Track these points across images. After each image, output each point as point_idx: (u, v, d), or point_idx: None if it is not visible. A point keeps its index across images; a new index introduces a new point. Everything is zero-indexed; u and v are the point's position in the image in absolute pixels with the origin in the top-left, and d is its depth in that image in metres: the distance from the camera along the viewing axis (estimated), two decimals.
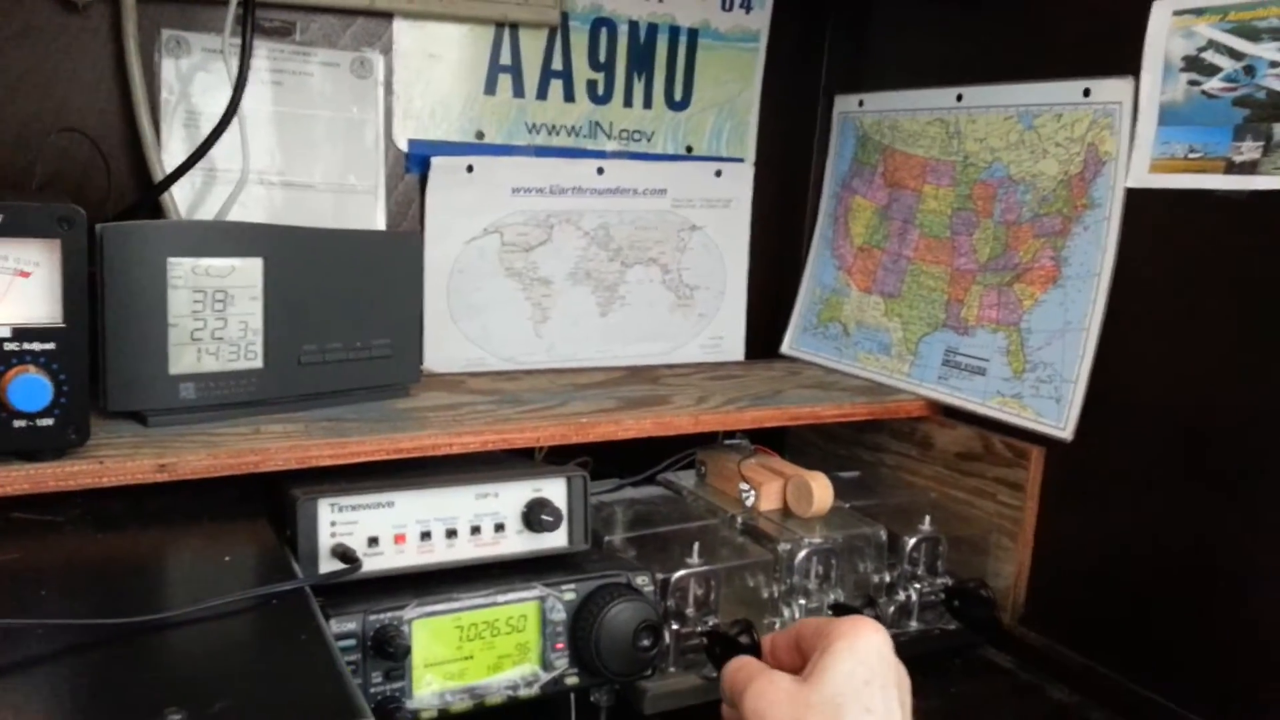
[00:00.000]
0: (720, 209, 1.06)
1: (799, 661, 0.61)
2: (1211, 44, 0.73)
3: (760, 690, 0.57)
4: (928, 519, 0.86)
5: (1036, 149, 0.86)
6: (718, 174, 1.06)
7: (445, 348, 0.95)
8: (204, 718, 0.41)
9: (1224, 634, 0.72)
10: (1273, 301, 0.70)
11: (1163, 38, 0.76)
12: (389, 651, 0.58)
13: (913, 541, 0.85)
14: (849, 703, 0.55)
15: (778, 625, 0.79)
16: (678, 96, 1.03)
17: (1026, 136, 0.86)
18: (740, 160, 1.07)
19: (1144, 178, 0.78)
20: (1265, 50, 0.70)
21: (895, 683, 0.58)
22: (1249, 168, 0.71)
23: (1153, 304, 0.77)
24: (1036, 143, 0.86)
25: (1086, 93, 0.82)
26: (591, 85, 0.99)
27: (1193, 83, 0.74)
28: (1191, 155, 0.75)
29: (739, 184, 1.07)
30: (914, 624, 0.85)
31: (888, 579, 0.85)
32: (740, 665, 0.61)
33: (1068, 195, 0.83)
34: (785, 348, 1.11)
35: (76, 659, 0.45)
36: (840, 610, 0.78)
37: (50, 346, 0.58)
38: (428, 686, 0.61)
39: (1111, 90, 0.80)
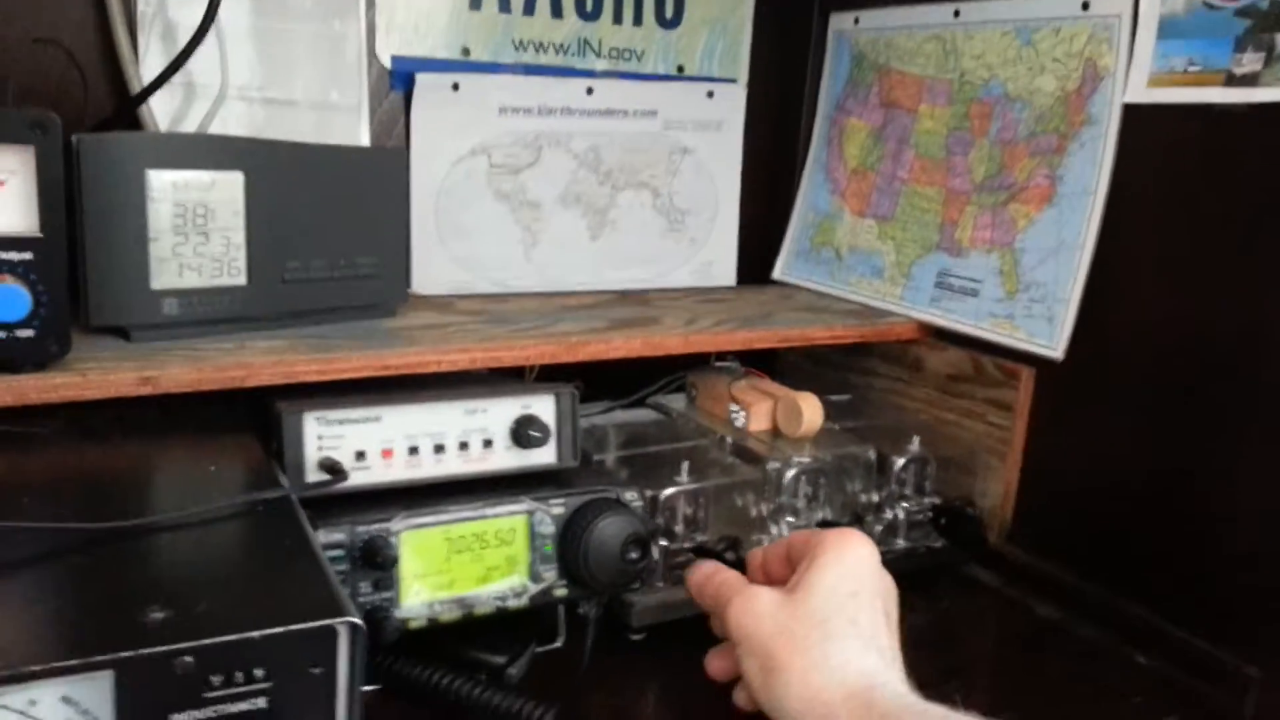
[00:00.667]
0: (712, 131, 1.05)
1: (790, 573, 0.60)
2: None
3: (744, 606, 0.57)
4: (916, 440, 0.86)
5: (1034, 65, 0.84)
6: (709, 95, 1.04)
7: (433, 270, 0.94)
8: (188, 617, 0.41)
9: (1208, 551, 0.73)
10: (1273, 217, 0.69)
11: None
12: (377, 562, 0.58)
13: (901, 462, 0.85)
14: (834, 615, 0.55)
15: (765, 543, 0.80)
16: (669, 14, 1.00)
17: (1024, 52, 0.85)
18: (733, 81, 1.05)
19: (1142, 92, 0.76)
20: None
21: (881, 594, 0.58)
22: (1250, 80, 0.70)
23: (1148, 222, 0.76)
24: (1034, 58, 0.84)
25: (1085, 5, 0.80)
26: (580, 1, 0.96)
27: None
28: (1191, 69, 0.73)
29: (731, 105, 1.05)
30: (901, 542, 0.85)
31: (876, 499, 0.85)
32: (720, 581, 0.60)
33: (1065, 112, 0.81)
34: (777, 273, 1.10)
35: (59, 562, 0.45)
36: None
37: (27, 256, 0.57)
38: (416, 596, 0.62)
39: (1110, 2, 0.78)
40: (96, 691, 0.39)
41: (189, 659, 0.39)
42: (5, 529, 0.46)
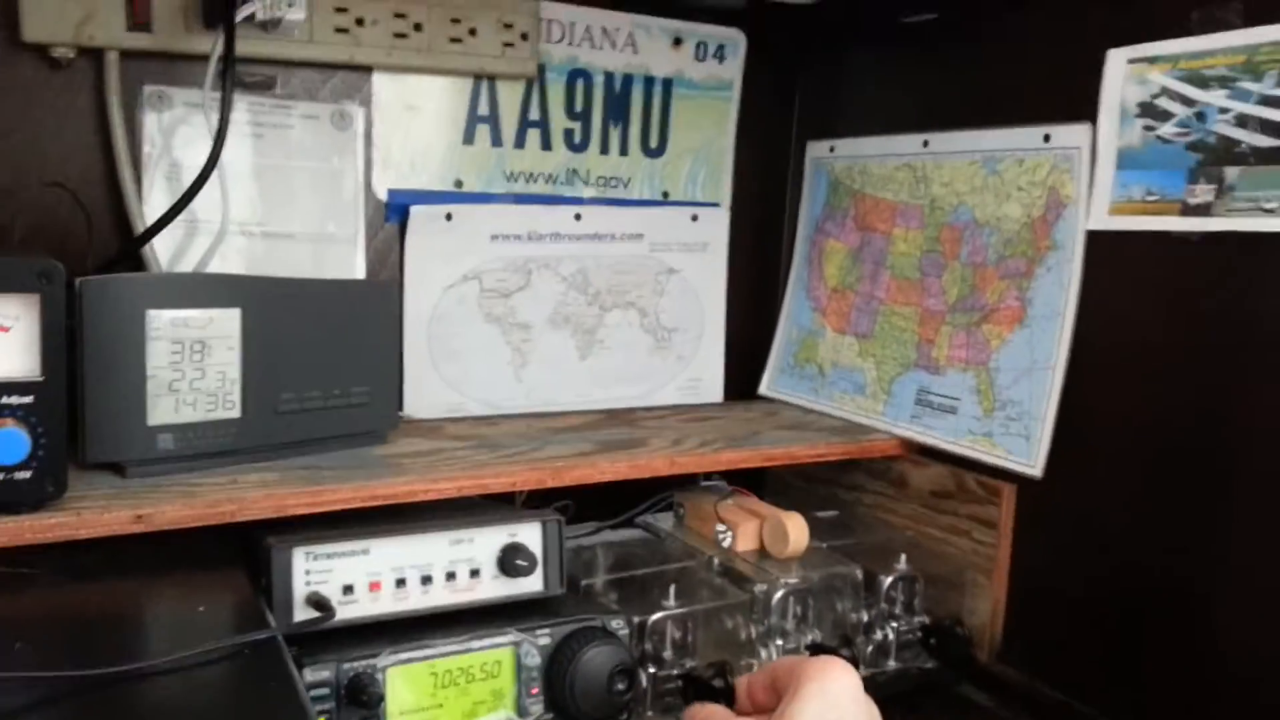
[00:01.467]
0: (697, 253, 1.08)
1: (775, 701, 0.60)
2: (1165, 91, 0.76)
3: None
4: (904, 558, 0.87)
5: (1000, 193, 0.88)
6: (694, 218, 1.08)
7: (425, 393, 0.96)
8: None
9: (1200, 667, 0.73)
10: (1228, 337, 0.71)
11: (1118, 85, 0.79)
12: (363, 700, 0.59)
13: (889, 580, 0.86)
14: None
15: (755, 667, 0.80)
16: (653, 144, 1.05)
17: (990, 181, 0.89)
18: (716, 205, 1.09)
19: (1104, 220, 0.80)
20: (1214, 97, 0.73)
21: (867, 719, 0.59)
22: (1203, 210, 0.73)
23: (1116, 341, 0.79)
24: (1000, 186, 0.88)
25: (1047, 138, 0.84)
26: (569, 134, 1.01)
27: (1148, 128, 0.77)
28: (1149, 198, 0.77)
29: (715, 228, 1.09)
30: (892, 663, 0.85)
31: (865, 618, 0.86)
32: (706, 714, 0.60)
33: (1031, 238, 0.85)
34: (763, 389, 1.12)
35: (52, 710, 0.46)
36: (817, 651, 0.78)
37: (28, 400, 0.59)
38: None
39: (1070, 135, 0.82)
40: None
41: None
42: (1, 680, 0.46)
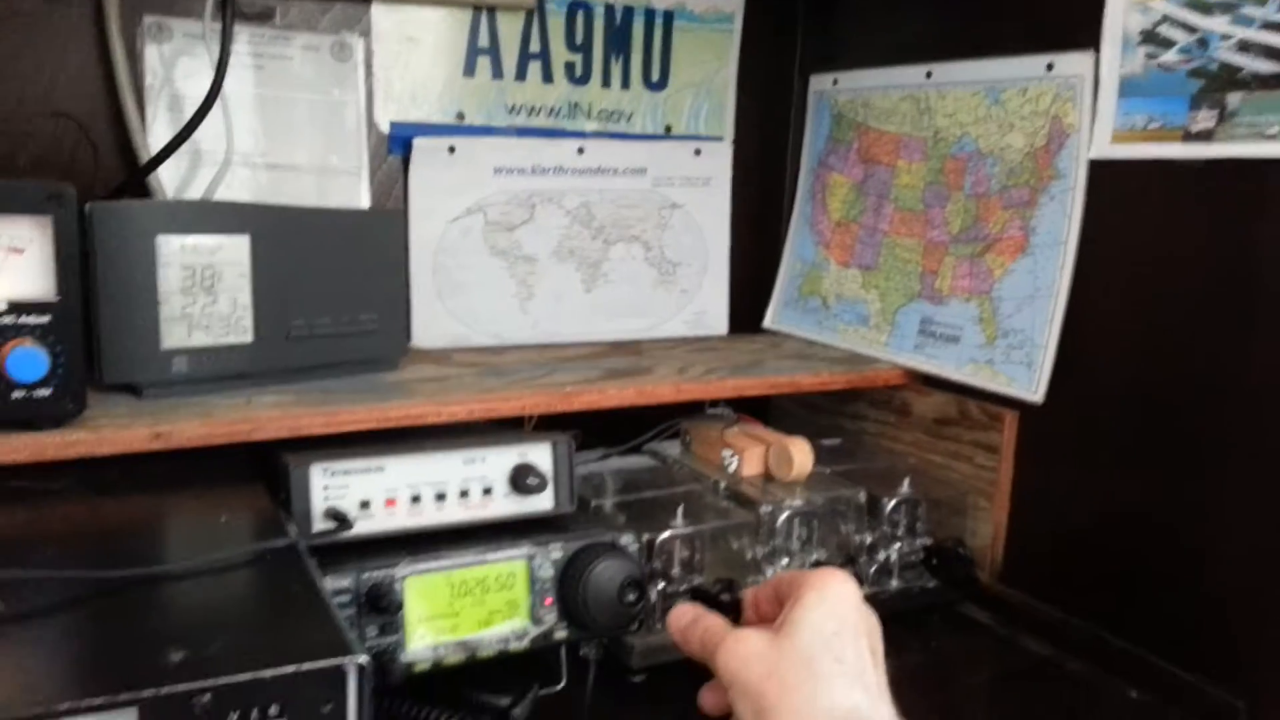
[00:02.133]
0: (700, 187, 1.08)
1: (780, 611, 0.62)
2: (1166, 18, 0.76)
3: (731, 649, 0.57)
4: (906, 482, 0.89)
5: (1003, 123, 0.88)
6: (697, 152, 1.08)
7: (432, 325, 0.97)
8: (205, 657, 0.43)
9: (1194, 585, 0.75)
10: (1228, 265, 0.72)
11: (1120, 13, 0.79)
12: (382, 606, 0.60)
13: (892, 503, 0.88)
14: (820, 653, 0.56)
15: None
16: (655, 77, 1.05)
17: (993, 111, 0.89)
18: (719, 139, 1.09)
19: (1106, 148, 0.80)
20: (1216, 24, 0.73)
21: (865, 631, 0.59)
22: (1205, 136, 0.74)
23: (1117, 270, 0.80)
24: (1003, 117, 0.88)
25: (1049, 67, 0.84)
26: (570, 67, 1.01)
27: (1150, 55, 0.77)
28: (1151, 125, 0.77)
29: (718, 162, 1.09)
30: (894, 582, 0.87)
31: (868, 540, 0.87)
32: (705, 628, 0.61)
33: (1034, 167, 0.85)
34: (767, 322, 1.13)
35: (81, 608, 0.47)
36: (697, 594, 0.78)
37: (45, 320, 0.60)
38: (421, 640, 0.63)
39: (1073, 64, 0.82)
40: None
41: (208, 697, 0.41)
42: (31, 578, 0.48)
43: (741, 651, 0.57)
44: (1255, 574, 0.71)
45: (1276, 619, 0.70)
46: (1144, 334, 0.78)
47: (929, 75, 0.95)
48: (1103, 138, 0.80)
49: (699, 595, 0.74)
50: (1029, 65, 0.86)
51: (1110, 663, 0.79)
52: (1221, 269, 0.73)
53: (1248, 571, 0.71)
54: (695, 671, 0.73)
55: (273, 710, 0.43)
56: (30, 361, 0.59)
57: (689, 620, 0.62)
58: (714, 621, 0.62)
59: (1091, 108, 0.81)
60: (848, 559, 0.84)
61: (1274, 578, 0.70)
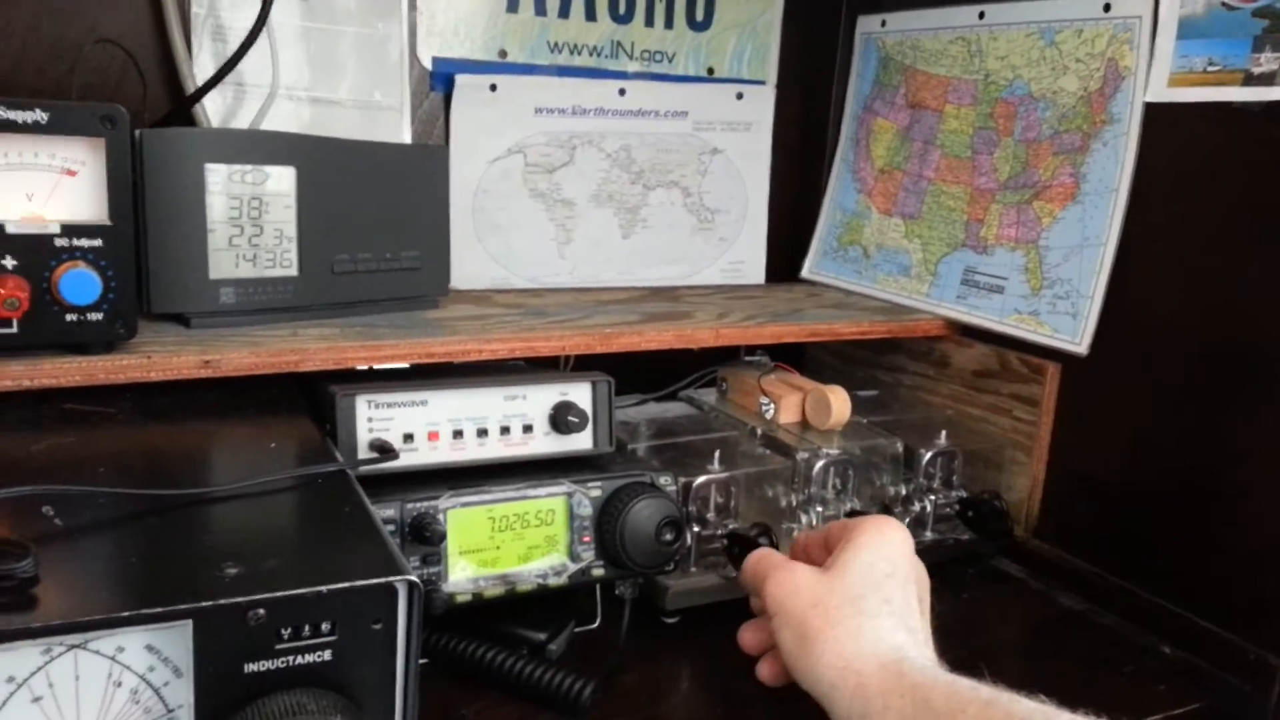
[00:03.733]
0: (741, 132, 1.07)
1: (829, 560, 0.64)
2: None
3: (780, 580, 0.59)
4: (944, 434, 0.88)
5: (1057, 65, 0.86)
6: (739, 96, 1.06)
7: (470, 266, 0.97)
8: (259, 572, 0.43)
9: (1232, 543, 0.74)
10: None
11: None
12: (425, 537, 0.61)
13: (928, 455, 0.87)
14: (869, 592, 0.57)
15: (795, 532, 0.82)
16: (699, 17, 1.03)
17: (1047, 53, 0.87)
18: (762, 83, 1.08)
19: (1162, 92, 0.78)
20: None
21: (914, 578, 0.61)
22: (1268, 79, 0.71)
23: (1169, 219, 0.78)
24: (1057, 59, 0.86)
25: (1107, 7, 0.82)
26: (613, 4, 0.99)
27: None
28: (1210, 68, 0.75)
29: (760, 107, 1.07)
30: (929, 534, 0.87)
31: (904, 491, 0.87)
32: (761, 556, 0.64)
33: (1087, 111, 0.83)
34: (805, 271, 1.12)
35: (136, 525, 0.48)
36: (735, 539, 0.79)
37: (98, 243, 0.61)
38: (462, 572, 0.64)
39: (1131, 4, 0.80)
40: (177, 641, 0.42)
41: (262, 611, 0.42)
42: (88, 493, 0.49)
43: (790, 582, 0.59)
44: None
45: None
46: (1194, 285, 0.76)
47: (981, 16, 0.92)
48: (1159, 80, 0.78)
49: (735, 538, 0.75)
50: (1085, 5, 0.83)
51: (1144, 618, 0.78)
52: (1277, 218, 0.71)
53: None
54: (727, 615, 0.74)
55: (324, 627, 0.44)
56: (83, 284, 0.60)
57: (756, 556, 0.65)
58: (773, 554, 0.65)
59: (1149, 49, 0.78)
60: (883, 509, 0.84)
61: None
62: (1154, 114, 0.79)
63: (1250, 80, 0.72)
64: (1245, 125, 0.72)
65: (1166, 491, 0.78)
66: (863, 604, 0.57)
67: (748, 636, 0.64)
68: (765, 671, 0.62)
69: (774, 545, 0.72)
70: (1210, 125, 0.75)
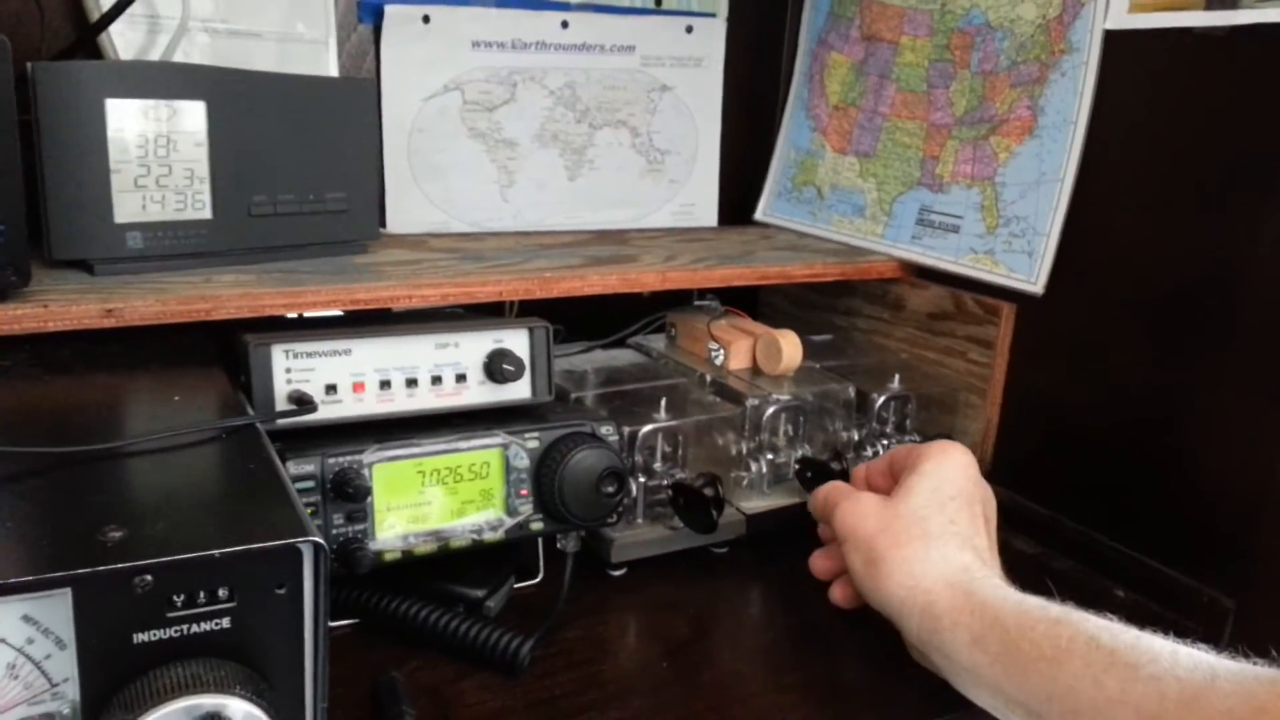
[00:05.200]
0: (691, 68, 1.03)
1: (892, 485, 0.66)
2: None
3: (849, 507, 0.62)
4: (897, 378, 0.86)
5: None
6: (689, 30, 1.02)
7: (407, 210, 0.92)
8: (146, 536, 0.40)
9: (1184, 484, 0.73)
10: (1250, 142, 0.68)
11: None
12: (349, 493, 0.58)
13: (881, 399, 0.85)
14: (934, 514, 0.60)
15: (745, 481, 0.80)
16: None
17: None
18: (712, 15, 1.03)
19: (1123, 18, 0.75)
20: None
21: (980, 500, 0.63)
22: (1230, 2, 0.68)
23: (1128, 152, 0.76)
24: None
25: None
26: None
27: None
28: None
29: (711, 41, 1.03)
30: None
31: (856, 436, 0.85)
32: (833, 488, 0.68)
33: (1046, 40, 0.80)
34: (759, 214, 1.09)
35: (19, 485, 0.44)
36: (808, 464, 0.78)
37: None
38: (390, 529, 0.61)
39: None
40: (56, 610, 0.38)
41: (148, 577, 0.38)
42: None
43: (859, 509, 0.62)
44: (1250, 474, 0.68)
45: (1270, 518, 0.68)
46: (1153, 222, 0.74)
47: None
48: (1119, 6, 0.75)
49: (808, 464, 0.77)
50: None
51: (1099, 562, 0.77)
52: (1246, 148, 0.68)
53: (1243, 472, 0.69)
54: (674, 567, 0.72)
55: (221, 593, 0.40)
56: None
57: (826, 488, 0.69)
58: (841, 484, 0.68)
59: None
60: (835, 454, 0.82)
61: (1270, 477, 0.68)
62: (1114, 42, 0.76)
63: (1213, 4, 0.69)
64: (1207, 53, 0.70)
65: (1122, 434, 0.77)
66: (928, 526, 0.59)
67: (818, 563, 0.68)
68: (838, 594, 0.66)
69: (845, 471, 0.74)
70: (1171, 54, 0.72)
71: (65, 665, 0.39)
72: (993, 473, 0.86)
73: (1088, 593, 0.75)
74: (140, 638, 0.39)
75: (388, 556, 0.61)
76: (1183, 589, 0.72)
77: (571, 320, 0.87)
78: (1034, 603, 0.53)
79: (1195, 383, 0.72)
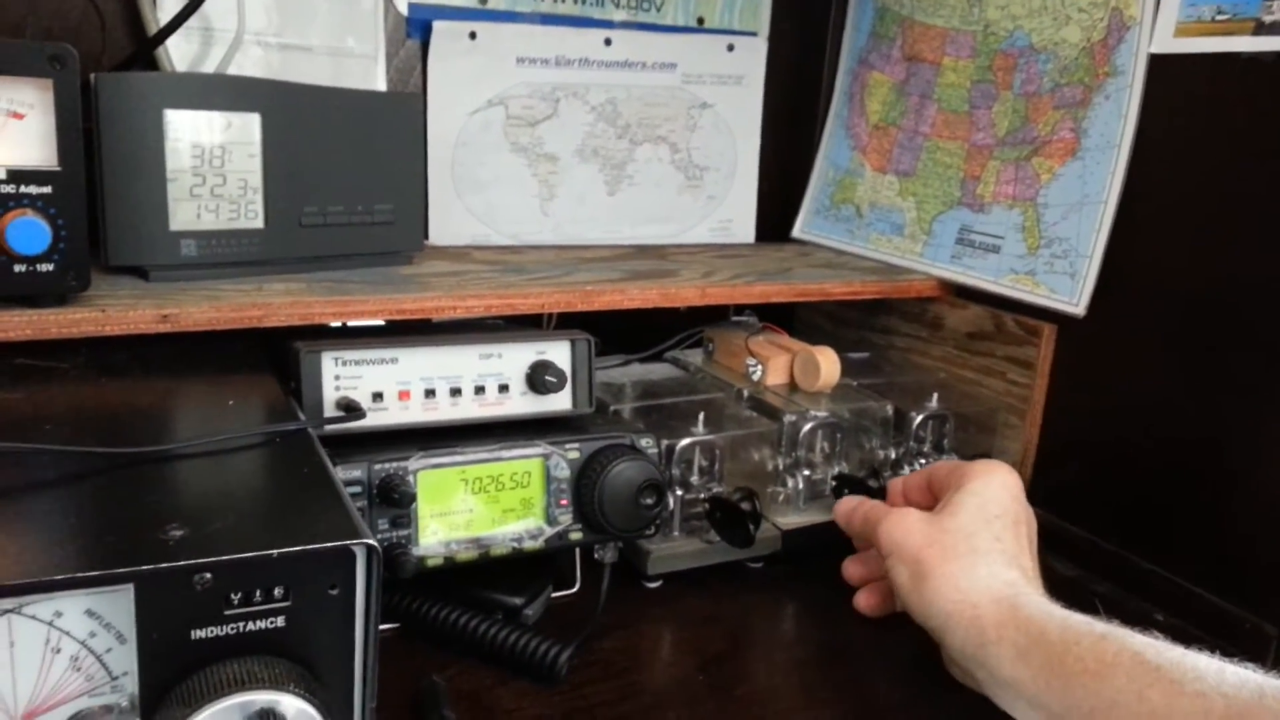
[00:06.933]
0: (732, 86, 1.04)
1: (929, 501, 0.67)
2: None
3: (895, 521, 0.63)
4: (935, 396, 0.86)
5: (1059, 15, 0.82)
6: (730, 48, 1.02)
7: (449, 223, 0.94)
8: (206, 535, 0.41)
9: (1227, 509, 0.72)
10: None
11: None
12: (394, 498, 0.58)
13: (919, 418, 0.85)
14: (980, 531, 0.60)
15: (781, 496, 0.80)
16: None
17: (1049, 3, 0.83)
18: (753, 34, 1.04)
19: (1168, 42, 0.75)
20: None
21: (1025, 520, 0.64)
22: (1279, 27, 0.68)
23: (1172, 175, 0.75)
24: (1059, 9, 0.82)
25: None
26: None
27: None
28: (1219, 17, 0.72)
29: (752, 59, 1.04)
30: None
31: (894, 455, 0.85)
32: (870, 506, 0.68)
33: (1090, 63, 0.80)
34: (796, 231, 1.09)
35: (81, 484, 0.45)
36: (845, 481, 0.78)
37: (47, 190, 0.57)
38: (433, 535, 0.62)
39: None
40: (119, 605, 0.39)
41: (208, 575, 0.39)
42: (30, 451, 0.46)
43: (905, 524, 0.62)
44: None
45: None
46: (1196, 244, 0.73)
47: None
48: (1165, 30, 0.75)
49: (844, 481, 0.77)
50: None
51: (1139, 585, 0.77)
52: None
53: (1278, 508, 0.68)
54: (708, 582, 0.73)
55: (277, 592, 0.41)
56: (31, 233, 0.57)
57: (852, 506, 0.69)
58: (876, 503, 0.69)
59: None
60: (872, 472, 0.82)
61: None
62: (1159, 66, 0.76)
63: (1261, 29, 0.69)
64: (1254, 77, 0.69)
65: (1163, 457, 0.76)
66: (976, 542, 0.59)
67: (851, 569, 0.69)
68: (863, 601, 0.68)
69: (882, 488, 0.74)
70: (1217, 77, 0.72)
71: (125, 659, 0.40)
72: (1032, 494, 0.84)
73: (1127, 616, 0.73)
74: (198, 634, 0.40)
75: (430, 562, 0.61)
76: (1225, 615, 0.71)
77: (608, 333, 0.88)
78: (1079, 619, 0.53)
79: (1237, 407, 0.71)
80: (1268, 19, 0.69)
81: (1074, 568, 0.81)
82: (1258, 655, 0.69)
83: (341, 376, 0.62)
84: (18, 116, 0.57)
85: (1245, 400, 0.71)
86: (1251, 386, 0.70)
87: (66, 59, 0.57)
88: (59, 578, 0.37)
